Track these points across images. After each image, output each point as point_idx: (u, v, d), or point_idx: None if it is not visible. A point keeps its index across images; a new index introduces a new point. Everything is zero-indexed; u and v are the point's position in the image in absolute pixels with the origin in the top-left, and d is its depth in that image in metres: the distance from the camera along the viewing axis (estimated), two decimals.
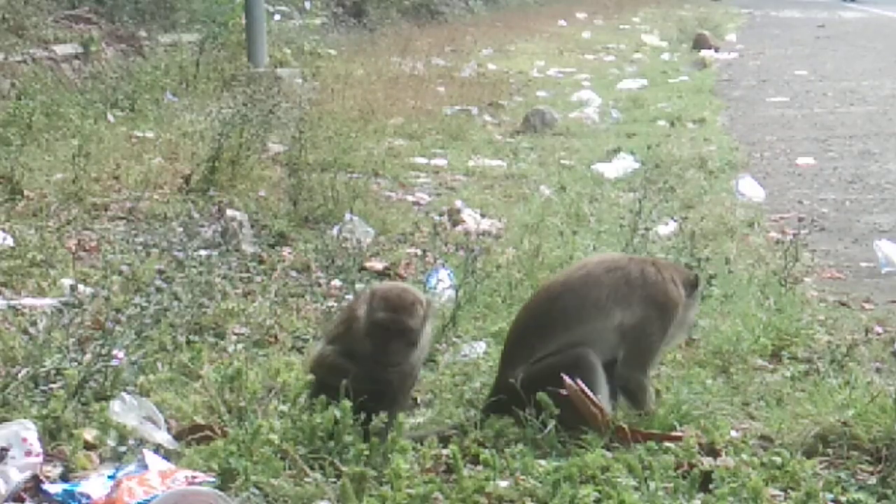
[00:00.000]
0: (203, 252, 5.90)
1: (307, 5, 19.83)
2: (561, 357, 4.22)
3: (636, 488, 3.70)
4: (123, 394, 4.25)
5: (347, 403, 3.84)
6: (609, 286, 4.34)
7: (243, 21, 14.07)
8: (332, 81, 13.64)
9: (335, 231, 6.79)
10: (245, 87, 10.50)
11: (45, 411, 4.13)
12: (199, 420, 4.25)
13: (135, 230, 7.07)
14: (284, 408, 4.21)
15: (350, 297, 5.61)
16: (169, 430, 4.17)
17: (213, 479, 3.71)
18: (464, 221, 7.75)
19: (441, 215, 7.64)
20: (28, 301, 5.68)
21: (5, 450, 3.77)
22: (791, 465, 3.95)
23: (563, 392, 4.12)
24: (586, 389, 4.14)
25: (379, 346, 3.94)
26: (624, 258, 4.62)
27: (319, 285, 5.87)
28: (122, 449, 3.97)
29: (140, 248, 6.18)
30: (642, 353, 4.33)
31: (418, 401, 4.70)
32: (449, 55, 18.58)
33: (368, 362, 3.96)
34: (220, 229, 6.63)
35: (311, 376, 4.12)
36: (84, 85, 11.80)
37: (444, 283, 5.86)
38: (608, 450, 3.99)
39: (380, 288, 4.14)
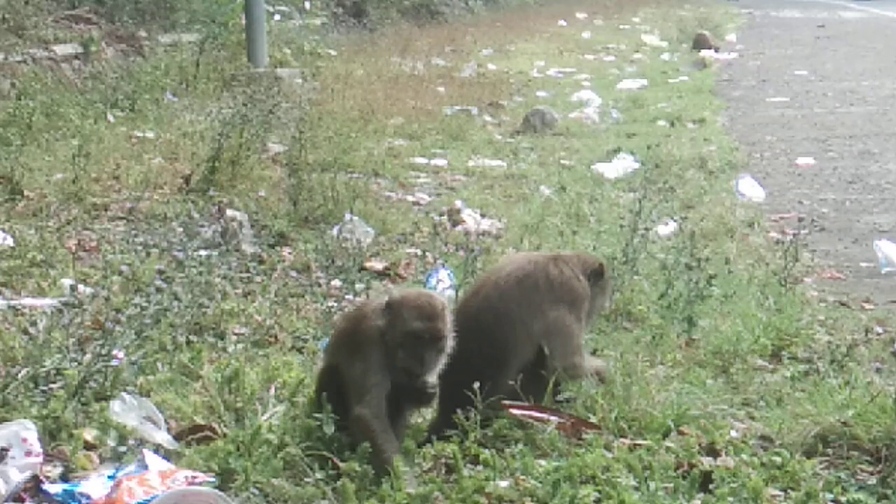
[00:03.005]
0: (203, 252, 5.89)
1: (307, 5, 19.82)
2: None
3: (636, 488, 3.70)
4: (123, 394, 4.25)
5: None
6: (519, 298, 4.37)
7: (243, 21, 14.07)
8: (332, 81, 13.64)
9: (335, 231, 6.79)
10: (245, 87, 10.52)
11: (45, 411, 4.13)
12: (199, 420, 4.25)
13: (135, 230, 7.06)
14: (282, 407, 4.21)
15: (350, 297, 5.61)
16: (169, 430, 4.17)
17: (213, 479, 3.71)
18: (464, 221, 7.75)
19: (441, 215, 7.64)
20: (28, 301, 5.68)
21: (5, 450, 3.77)
22: (791, 465, 3.95)
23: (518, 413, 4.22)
24: (533, 413, 4.20)
25: (413, 356, 3.83)
26: (529, 263, 4.57)
27: (319, 285, 5.86)
28: (122, 449, 3.97)
29: (140, 248, 6.19)
30: (565, 342, 4.39)
31: None
32: (449, 55, 18.58)
33: (395, 373, 3.86)
34: (220, 229, 6.62)
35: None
36: (84, 85, 11.80)
37: (444, 283, 5.86)
38: (608, 450, 3.99)
39: (405, 297, 3.92)
